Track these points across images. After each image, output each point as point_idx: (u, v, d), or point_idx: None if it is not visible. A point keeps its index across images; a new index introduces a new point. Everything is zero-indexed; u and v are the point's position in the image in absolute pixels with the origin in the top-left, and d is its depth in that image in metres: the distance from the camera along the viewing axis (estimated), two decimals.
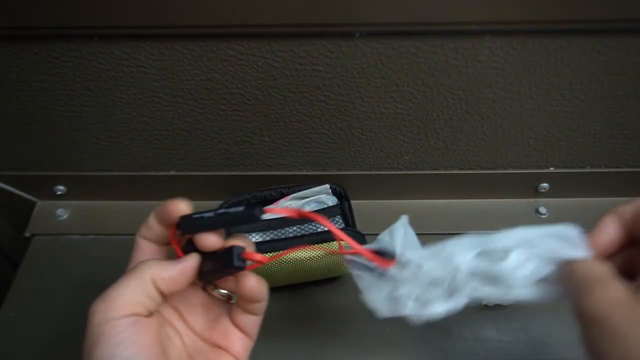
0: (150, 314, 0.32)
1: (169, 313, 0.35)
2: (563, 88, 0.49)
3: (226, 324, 0.36)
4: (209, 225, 0.32)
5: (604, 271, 0.29)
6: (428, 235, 0.61)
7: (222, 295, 0.36)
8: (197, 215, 0.32)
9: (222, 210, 0.32)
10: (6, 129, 0.54)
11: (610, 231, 0.31)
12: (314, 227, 0.54)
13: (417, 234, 0.64)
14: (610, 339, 0.26)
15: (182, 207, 0.33)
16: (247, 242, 0.34)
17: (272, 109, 0.51)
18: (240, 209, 0.32)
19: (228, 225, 0.33)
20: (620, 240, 0.31)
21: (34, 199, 0.63)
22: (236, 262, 0.32)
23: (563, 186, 0.60)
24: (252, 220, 0.32)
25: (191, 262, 0.33)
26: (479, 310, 0.53)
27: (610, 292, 0.28)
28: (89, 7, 0.41)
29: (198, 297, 0.37)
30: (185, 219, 0.33)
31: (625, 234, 0.31)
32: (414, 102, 0.50)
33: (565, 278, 0.30)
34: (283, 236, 0.54)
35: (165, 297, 0.33)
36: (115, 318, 0.30)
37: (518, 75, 0.48)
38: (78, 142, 0.55)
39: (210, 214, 0.32)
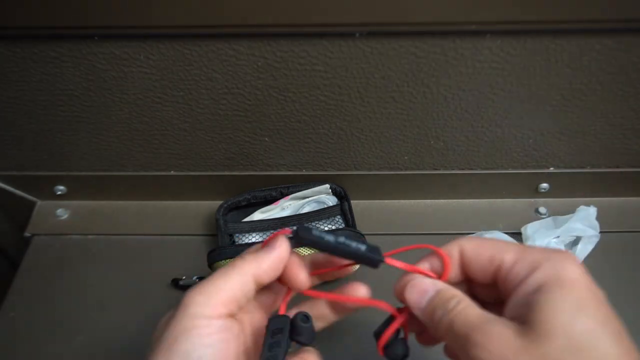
0: (234, 316, 0.31)
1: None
2: (563, 88, 0.49)
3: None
4: (323, 247, 0.30)
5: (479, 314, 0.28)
6: (428, 235, 0.61)
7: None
8: (317, 233, 0.31)
9: (342, 239, 0.30)
10: (6, 129, 0.54)
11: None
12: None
13: (417, 234, 0.64)
14: None
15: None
16: None
17: (272, 109, 0.51)
18: (362, 247, 0.30)
19: (340, 256, 0.31)
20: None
21: (34, 199, 0.63)
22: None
23: (563, 186, 0.60)
24: (370, 264, 0.30)
25: (285, 246, 0.31)
26: None
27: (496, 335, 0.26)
28: (89, 7, 0.41)
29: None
30: (303, 230, 0.31)
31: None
32: (414, 102, 0.50)
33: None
34: None
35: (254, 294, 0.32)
36: (211, 316, 0.29)
37: (518, 75, 0.48)
38: (78, 142, 0.55)
39: (330, 238, 0.30)
